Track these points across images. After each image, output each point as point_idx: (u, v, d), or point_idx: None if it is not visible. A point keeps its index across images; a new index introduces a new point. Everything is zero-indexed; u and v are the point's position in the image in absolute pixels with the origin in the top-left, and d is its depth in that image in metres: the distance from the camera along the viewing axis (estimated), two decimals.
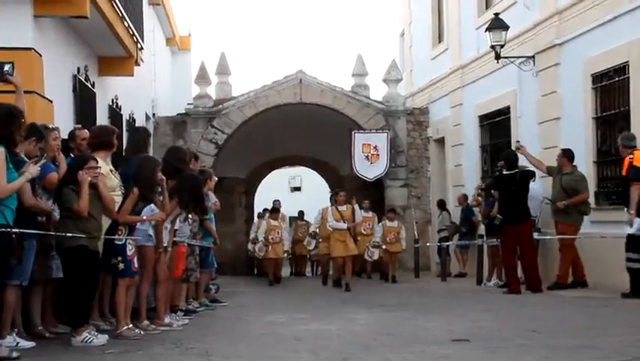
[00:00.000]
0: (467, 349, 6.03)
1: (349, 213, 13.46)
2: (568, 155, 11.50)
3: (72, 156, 7.44)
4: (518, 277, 11.28)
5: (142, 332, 6.93)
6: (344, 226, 13.23)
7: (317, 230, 14.98)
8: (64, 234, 6.28)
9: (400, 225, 15.94)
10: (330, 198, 15.57)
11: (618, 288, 9.91)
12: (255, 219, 19.10)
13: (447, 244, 15.95)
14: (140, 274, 7.11)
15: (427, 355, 5.78)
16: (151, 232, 7.19)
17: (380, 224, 15.50)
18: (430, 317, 8.30)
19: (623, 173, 9.82)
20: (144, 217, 6.95)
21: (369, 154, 14.61)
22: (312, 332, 7.22)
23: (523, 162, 12.07)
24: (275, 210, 16.15)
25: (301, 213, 20.97)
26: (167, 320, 7.56)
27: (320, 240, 14.85)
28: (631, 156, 9.70)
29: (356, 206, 13.89)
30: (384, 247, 15.12)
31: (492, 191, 12.47)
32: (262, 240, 15.29)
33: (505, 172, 11.57)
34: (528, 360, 5.41)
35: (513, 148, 12.36)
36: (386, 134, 15.25)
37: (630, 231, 9.47)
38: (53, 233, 6.39)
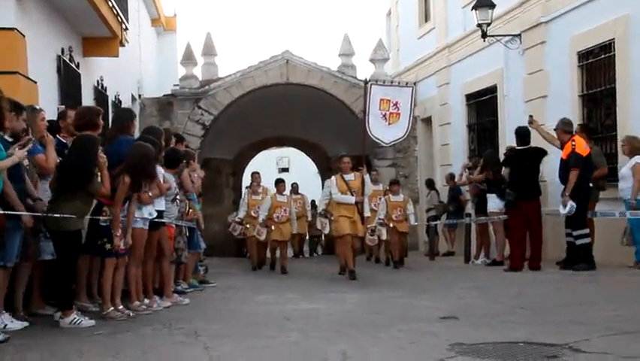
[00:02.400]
0: (455, 326, 6.06)
1: (358, 184, 11.03)
2: (587, 130, 11.24)
3: (59, 137, 7.39)
4: (524, 253, 11.24)
5: (132, 313, 6.92)
6: (351, 199, 10.90)
7: (325, 208, 11.72)
8: (59, 215, 6.27)
9: (407, 198, 13.84)
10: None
11: (608, 264, 10.03)
12: (244, 191, 16.73)
13: (435, 223, 15.99)
14: (129, 255, 7.09)
15: (415, 332, 5.80)
16: (137, 213, 7.18)
17: (382, 199, 13.51)
18: (419, 296, 8.34)
19: (564, 157, 10.46)
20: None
21: (388, 112, 11.61)
22: (301, 312, 7.24)
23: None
24: (280, 182, 13.73)
25: (295, 185, 17.64)
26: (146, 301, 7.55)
27: (332, 217, 11.61)
28: (573, 143, 10.36)
29: (366, 176, 11.43)
30: (391, 225, 13.14)
31: (501, 168, 12.24)
32: (263, 219, 13.00)
33: (517, 147, 11.52)
34: (515, 336, 5.43)
35: (525, 123, 11.95)
36: (411, 89, 12.18)
37: (563, 212, 10.33)
38: (50, 215, 6.35)
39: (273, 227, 12.94)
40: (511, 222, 11.50)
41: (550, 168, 11.85)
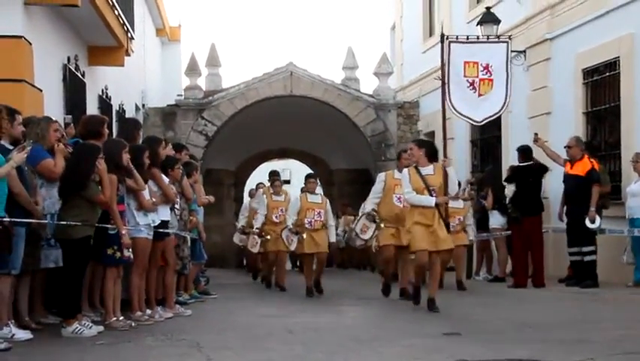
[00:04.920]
0: (459, 342, 6.03)
1: (439, 181, 8.07)
2: (590, 148, 11.27)
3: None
4: (527, 270, 11.21)
5: (133, 323, 6.90)
6: (432, 201, 7.96)
7: (375, 209, 9.47)
8: (66, 223, 6.27)
9: (467, 207, 11.41)
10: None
11: (608, 282, 10.02)
12: (246, 200, 16.04)
13: None
14: (132, 266, 7.08)
15: (418, 348, 5.77)
16: (141, 220, 7.18)
17: None
18: (421, 311, 8.29)
19: (582, 174, 10.40)
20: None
21: (476, 79, 8.66)
22: (303, 325, 7.20)
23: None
24: (311, 178, 10.94)
25: (260, 185, 14.93)
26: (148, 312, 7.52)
27: (382, 224, 9.39)
28: (592, 160, 10.44)
29: (450, 169, 8.20)
30: None
31: (507, 183, 12.01)
32: (291, 225, 10.39)
33: (521, 164, 11.53)
34: (519, 354, 5.41)
35: (529, 139, 11.89)
36: (505, 44, 9.25)
37: (592, 227, 10.27)
38: (53, 223, 6.35)
39: (304, 235, 10.33)
40: (514, 239, 11.48)
41: (553, 185, 11.83)
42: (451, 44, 8.99)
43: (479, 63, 8.94)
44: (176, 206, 8.33)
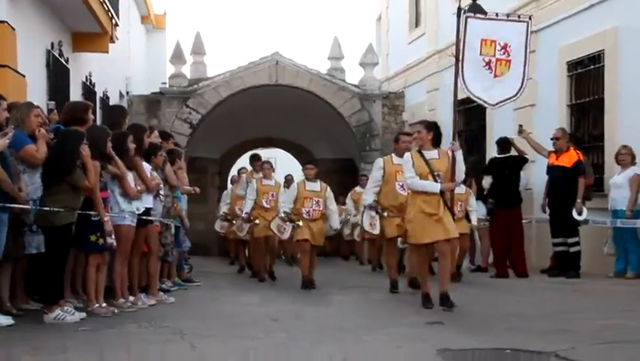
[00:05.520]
0: (442, 331, 6.06)
1: (444, 165, 7.54)
2: (575, 140, 11.35)
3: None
4: (506, 261, 11.27)
5: (116, 310, 6.87)
6: (436, 187, 7.37)
7: (376, 200, 8.95)
8: (49, 209, 6.22)
9: (469, 192, 10.82)
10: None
11: (589, 273, 10.11)
12: (229, 186, 15.90)
13: None
14: (115, 252, 7.05)
15: (402, 337, 5.79)
16: (125, 207, 7.15)
17: None
18: (404, 299, 8.32)
19: (568, 165, 10.54)
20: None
21: (493, 58, 8.04)
22: (287, 313, 7.21)
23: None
24: (311, 164, 10.42)
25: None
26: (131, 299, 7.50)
27: (385, 214, 8.86)
28: (578, 152, 10.56)
29: (459, 153, 7.69)
30: None
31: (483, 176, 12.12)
32: (287, 210, 9.90)
33: (498, 156, 11.58)
34: (502, 343, 5.43)
35: (513, 131, 12.06)
36: (526, 24, 8.52)
37: (579, 219, 10.39)
38: (37, 209, 6.30)
39: (300, 223, 9.83)
40: (492, 231, 11.57)
41: (537, 176, 11.90)
42: (468, 20, 8.31)
43: (497, 42, 8.24)
44: (161, 192, 8.30)
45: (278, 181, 11.59)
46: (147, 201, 7.60)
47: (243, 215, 11.33)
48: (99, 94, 14.14)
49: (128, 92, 17.88)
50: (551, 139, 10.97)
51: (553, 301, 8.35)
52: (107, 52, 12.98)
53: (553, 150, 10.96)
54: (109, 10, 12.03)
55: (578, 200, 10.42)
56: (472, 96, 8.40)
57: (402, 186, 8.52)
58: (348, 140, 19.16)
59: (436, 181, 7.38)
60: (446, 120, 16.54)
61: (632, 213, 10.12)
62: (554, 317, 6.97)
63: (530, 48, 8.63)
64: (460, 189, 9.68)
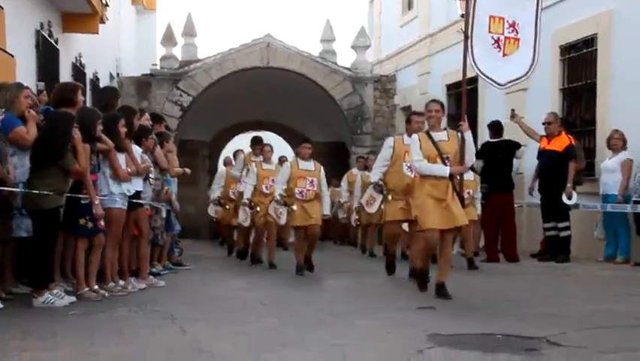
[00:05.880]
0: (433, 316, 6.05)
1: (453, 147, 7.15)
2: (566, 124, 11.37)
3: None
4: (497, 245, 11.29)
5: (106, 294, 6.84)
6: (445, 170, 7.03)
7: (382, 179, 8.63)
8: (38, 192, 6.17)
9: (477, 179, 10.54)
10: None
11: (579, 257, 10.14)
12: (221, 168, 15.64)
13: None
14: (106, 235, 7.01)
15: (393, 322, 5.78)
16: (115, 190, 7.11)
17: None
18: (395, 284, 8.33)
19: (559, 150, 10.59)
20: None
21: (502, 36, 7.68)
22: (277, 298, 7.20)
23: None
24: (306, 142, 10.08)
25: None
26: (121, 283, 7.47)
27: (390, 197, 8.55)
28: (570, 136, 10.65)
29: (468, 134, 7.20)
30: None
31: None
32: (278, 196, 9.67)
33: (491, 140, 11.57)
34: (494, 328, 5.43)
35: (505, 115, 12.03)
36: (536, 1, 8.09)
37: (569, 203, 10.41)
38: (27, 192, 6.24)
39: (294, 206, 9.48)
40: (484, 215, 11.54)
41: (528, 160, 11.89)
42: None
43: (505, 19, 7.77)
44: (151, 176, 8.25)
45: (278, 165, 11.27)
46: (137, 183, 7.55)
47: (244, 201, 10.83)
48: (89, 75, 14.02)
49: (118, 74, 17.76)
50: (543, 123, 10.96)
51: (544, 285, 8.37)
52: (97, 33, 12.86)
53: (545, 134, 10.95)
54: None
55: (569, 184, 10.44)
56: (481, 75, 7.95)
57: (409, 168, 8.24)
58: (339, 123, 19.12)
59: (445, 164, 7.02)
60: None
61: (623, 198, 10.15)
62: (545, 301, 6.99)
63: (540, 25, 8.02)
64: (469, 176, 9.22)
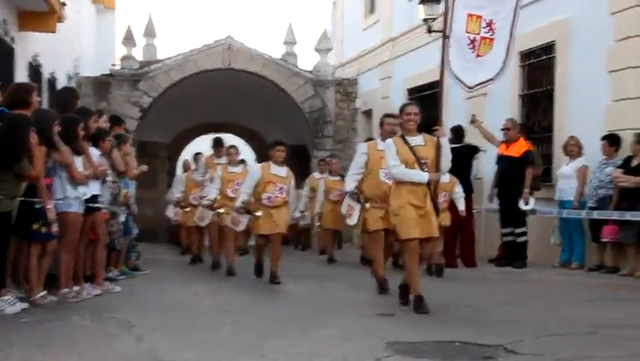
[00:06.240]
0: (392, 323, 6.05)
1: (431, 153, 6.86)
2: (526, 131, 11.42)
3: None
4: (455, 251, 11.33)
5: (58, 299, 6.70)
6: (424, 176, 6.74)
7: (357, 187, 8.20)
8: None
9: (454, 180, 10.07)
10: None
11: (535, 262, 10.25)
12: (179, 171, 15.58)
13: None
14: (60, 241, 6.87)
15: (352, 329, 5.76)
16: (71, 193, 6.97)
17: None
18: (355, 291, 8.27)
19: (517, 155, 10.66)
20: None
21: (477, 36, 7.29)
22: (236, 304, 7.14)
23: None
24: (279, 145, 9.61)
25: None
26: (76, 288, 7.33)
27: (367, 205, 8.11)
28: (528, 142, 10.75)
29: (445, 139, 6.99)
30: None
31: None
32: (246, 198, 9.11)
33: (451, 145, 11.56)
34: (452, 335, 5.45)
35: (466, 120, 12.03)
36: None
37: (525, 208, 10.49)
38: None
39: (259, 213, 9.00)
40: None
41: (487, 166, 11.99)
42: None
43: (483, 18, 7.33)
44: (108, 179, 8.13)
45: (245, 168, 10.74)
46: (94, 187, 7.43)
47: (204, 202, 10.49)
48: (46, 75, 13.75)
49: (76, 74, 17.45)
50: (502, 129, 11.06)
51: (501, 292, 8.43)
52: (55, 32, 12.61)
53: (504, 140, 11.06)
54: None
55: (526, 190, 10.54)
56: (452, 76, 7.52)
57: (386, 175, 7.83)
58: (300, 126, 19.08)
59: (422, 170, 6.71)
60: (397, 108, 16.54)
61: (579, 204, 10.28)
62: (502, 308, 7.04)
63: (517, 27, 7.63)
64: (445, 178, 8.88)
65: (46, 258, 6.74)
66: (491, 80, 7.64)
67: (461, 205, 10.23)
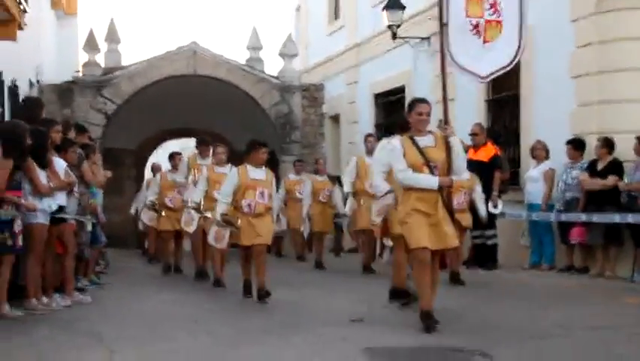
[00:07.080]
0: (367, 329, 6.02)
1: (441, 155, 6.18)
2: (494, 136, 11.52)
3: None
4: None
5: (23, 313, 6.56)
6: (433, 181, 6.07)
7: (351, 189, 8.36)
8: None
9: (474, 178, 9.53)
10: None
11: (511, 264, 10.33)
12: (148, 175, 15.46)
13: (340, 219, 15.97)
14: (28, 252, 6.73)
15: (327, 336, 5.73)
16: (38, 205, 6.85)
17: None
18: (333, 297, 8.16)
19: (485, 160, 10.70)
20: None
21: (481, 20, 6.61)
22: (208, 313, 7.06)
23: None
24: (258, 146, 8.31)
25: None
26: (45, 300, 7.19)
27: (362, 202, 8.08)
28: (496, 146, 10.87)
29: (455, 139, 6.32)
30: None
31: None
32: (220, 215, 8.09)
33: None
34: (427, 341, 5.45)
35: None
36: None
37: (494, 211, 10.49)
38: None
39: (239, 222, 8.01)
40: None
41: None
42: None
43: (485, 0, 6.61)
44: (75, 190, 7.99)
45: (234, 168, 9.59)
46: (60, 198, 7.29)
47: (190, 204, 9.68)
48: (7, 83, 13.51)
49: (38, 81, 17.18)
50: (470, 134, 11.13)
51: (473, 294, 8.45)
52: (15, 40, 12.38)
53: (471, 144, 11.13)
54: None
55: (495, 193, 10.63)
56: (459, 70, 6.90)
57: (370, 186, 7.77)
58: (268, 131, 19.00)
59: (432, 174, 6.06)
60: (364, 113, 16.64)
61: (546, 207, 10.39)
62: (475, 311, 7.06)
63: (527, 4, 6.96)
64: (465, 175, 8.14)
65: (5, 269, 6.57)
66: (507, 66, 6.97)
67: (482, 210, 9.59)
